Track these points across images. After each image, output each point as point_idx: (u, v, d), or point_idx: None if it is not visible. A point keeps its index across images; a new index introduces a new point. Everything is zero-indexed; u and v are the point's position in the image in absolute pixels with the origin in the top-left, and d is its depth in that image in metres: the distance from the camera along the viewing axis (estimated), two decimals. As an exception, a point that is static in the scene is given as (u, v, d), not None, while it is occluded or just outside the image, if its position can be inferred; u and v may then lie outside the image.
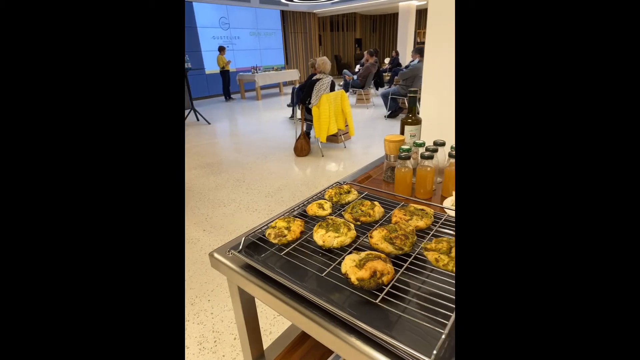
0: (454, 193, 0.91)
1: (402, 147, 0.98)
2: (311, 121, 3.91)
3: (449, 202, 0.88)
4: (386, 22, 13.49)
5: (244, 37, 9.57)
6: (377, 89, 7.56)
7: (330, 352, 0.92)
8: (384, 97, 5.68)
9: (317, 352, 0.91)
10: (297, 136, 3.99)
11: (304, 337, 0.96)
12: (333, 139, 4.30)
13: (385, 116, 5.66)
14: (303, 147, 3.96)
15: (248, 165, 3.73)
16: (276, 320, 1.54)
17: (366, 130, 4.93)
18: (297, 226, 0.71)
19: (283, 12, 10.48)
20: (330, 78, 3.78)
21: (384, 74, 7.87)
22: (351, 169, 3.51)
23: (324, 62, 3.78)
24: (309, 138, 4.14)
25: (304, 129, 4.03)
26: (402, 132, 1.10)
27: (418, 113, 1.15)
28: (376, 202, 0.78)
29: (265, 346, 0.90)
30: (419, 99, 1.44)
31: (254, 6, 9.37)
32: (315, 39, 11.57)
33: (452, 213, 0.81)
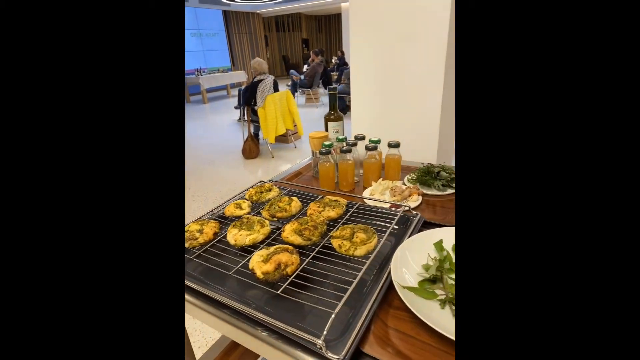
0: (373, 183, 0.96)
1: (325, 142, 1.01)
2: (258, 122, 3.86)
3: (368, 192, 0.93)
4: (331, 22, 13.76)
5: (184, 38, 9.11)
6: (325, 88, 7.69)
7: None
8: (332, 95, 5.79)
9: (250, 356, 0.90)
10: (245, 138, 3.91)
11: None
12: (283, 139, 4.29)
13: (334, 114, 5.78)
14: (251, 149, 3.89)
15: (195, 172, 3.57)
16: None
17: (316, 129, 4.99)
18: (210, 228, 0.69)
19: (225, 12, 10.16)
20: (271, 78, 3.75)
21: (331, 73, 8.02)
22: (301, 168, 3.53)
23: (259, 63, 3.75)
24: (258, 140, 4.08)
25: (252, 130, 3.96)
26: (326, 129, 1.14)
27: (349, 109, 1.19)
28: (294, 198, 0.80)
29: (198, 356, 0.87)
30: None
31: (192, 6, 8.95)
32: (262, 40, 11.39)
33: (370, 202, 0.86)
